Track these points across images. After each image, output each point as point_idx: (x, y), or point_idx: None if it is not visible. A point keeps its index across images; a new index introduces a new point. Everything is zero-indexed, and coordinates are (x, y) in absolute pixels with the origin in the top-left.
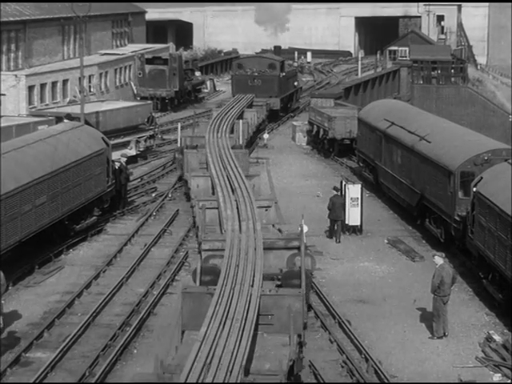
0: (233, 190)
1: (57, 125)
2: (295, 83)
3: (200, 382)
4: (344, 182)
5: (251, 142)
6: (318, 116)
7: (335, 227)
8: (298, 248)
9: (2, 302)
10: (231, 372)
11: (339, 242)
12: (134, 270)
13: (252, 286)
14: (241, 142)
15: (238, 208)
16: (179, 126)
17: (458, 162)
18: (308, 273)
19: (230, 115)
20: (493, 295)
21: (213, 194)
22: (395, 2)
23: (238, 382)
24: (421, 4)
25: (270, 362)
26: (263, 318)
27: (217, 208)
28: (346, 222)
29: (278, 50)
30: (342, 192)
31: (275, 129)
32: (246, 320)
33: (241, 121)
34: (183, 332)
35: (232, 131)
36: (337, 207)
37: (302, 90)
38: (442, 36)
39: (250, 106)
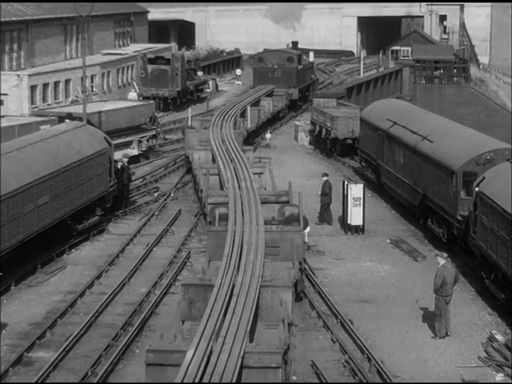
0: (231, 160)
1: (59, 125)
2: (311, 75)
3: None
4: (346, 182)
5: (268, 125)
6: (321, 116)
7: (327, 211)
8: (286, 202)
9: (4, 301)
10: (254, 274)
11: (332, 225)
12: (136, 269)
13: (257, 224)
14: (249, 126)
15: (235, 172)
16: (189, 109)
17: (460, 162)
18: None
19: (245, 102)
20: (495, 295)
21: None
22: (397, 2)
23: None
24: (423, 4)
25: (279, 278)
26: (271, 250)
27: (217, 174)
28: (348, 222)
29: (295, 45)
30: (344, 191)
31: (277, 128)
32: (258, 244)
33: (249, 107)
34: (209, 261)
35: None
36: (330, 192)
37: (318, 83)
38: (445, 36)
39: (271, 95)
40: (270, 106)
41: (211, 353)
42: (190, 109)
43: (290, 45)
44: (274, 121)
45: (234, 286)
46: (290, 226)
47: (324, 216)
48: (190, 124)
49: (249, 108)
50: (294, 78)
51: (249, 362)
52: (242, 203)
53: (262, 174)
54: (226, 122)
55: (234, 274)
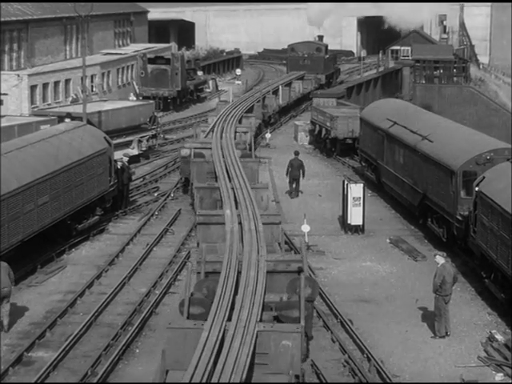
0: (224, 120)
1: (59, 124)
2: (335, 65)
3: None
4: (346, 182)
5: (298, 103)
6: (321, 115)
7: (293, 186)
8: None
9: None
10: (244, 179)
11: (297, 196)
12: (136, 269)
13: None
14: (280, 102)
15: (222, 130)
16: (231, 89)
17: (460, 162)
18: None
19: (277, 84)
20: (495, 295)
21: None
22: (397, 2)
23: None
24: None
25: (258, 183)
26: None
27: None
28: (348, 222)
29: (321, 38)
30: (344, 191)
31: (277, 128)
32: (238, 165)
33: (281, 87)
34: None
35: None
36: (294, 168)
37: (340, 72)
38: (445, 35)
39: (302, 79)
40: (300, 87)
41: (239, 214)
42: (231, 87)
43: (317, 38)
44: (304, 100)
45: (232, 187)
46: (249, 158)
47: (291, 190)
48: (231, 101)
49: (281, 88)
50: (321, 66)
51: (263, 220)
52: (221, 147)
53: (246, 132)
54: (252, 97)
55: (230, 181)
